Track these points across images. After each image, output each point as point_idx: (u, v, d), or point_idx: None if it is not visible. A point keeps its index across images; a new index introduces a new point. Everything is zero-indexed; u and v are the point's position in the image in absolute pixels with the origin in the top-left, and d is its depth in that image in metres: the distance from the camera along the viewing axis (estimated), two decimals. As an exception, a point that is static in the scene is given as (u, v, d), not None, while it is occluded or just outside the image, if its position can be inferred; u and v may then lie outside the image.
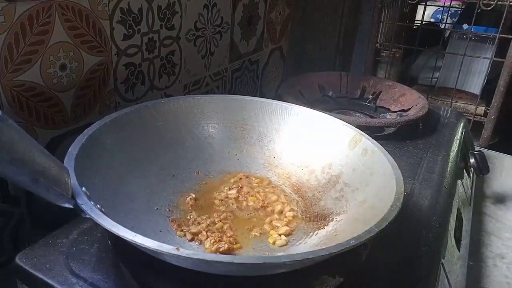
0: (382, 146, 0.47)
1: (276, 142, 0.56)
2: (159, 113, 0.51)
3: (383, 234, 0.33)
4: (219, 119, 0.56)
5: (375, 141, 0.48)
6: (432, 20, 1.86)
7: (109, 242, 0.40)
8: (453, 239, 0.56)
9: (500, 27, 1.14)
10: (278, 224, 0.45)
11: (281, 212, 0.47)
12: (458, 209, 0.63)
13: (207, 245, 0.41)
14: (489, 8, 1.12)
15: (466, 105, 1.28)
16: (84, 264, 0.39)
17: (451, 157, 0.69)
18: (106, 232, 0.39)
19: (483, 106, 1.24)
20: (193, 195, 0.48)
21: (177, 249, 0.29)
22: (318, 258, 0.31)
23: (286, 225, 0.45)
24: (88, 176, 0.38)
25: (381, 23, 1.33)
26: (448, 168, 0.65)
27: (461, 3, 1.60)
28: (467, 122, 0.90)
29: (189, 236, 0.42)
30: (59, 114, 0.50)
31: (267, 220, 0.46)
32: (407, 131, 0.73)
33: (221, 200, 0.48)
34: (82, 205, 0.33)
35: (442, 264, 0.47)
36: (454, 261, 0.54)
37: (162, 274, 0.37)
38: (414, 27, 1.46)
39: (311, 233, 0.44)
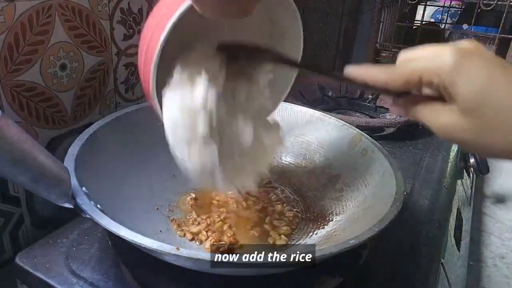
0: (382, 146, 0.47)
1: (276, 142, 0.56)
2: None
3: (383, 234, 0.33)
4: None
5: (375, 141, 0.48)
6: (432, 20, 1.86)
7: (109, 242, 0.40)
8: (453, 239, 0.56)
9: (500, 27, 1.13)
10: (278, 224, 0.45)
11: (281, 212, 0.47)
12: (458, 209, 0.63)
13: (207, 245, 0.41)
14: (489, 8, 1.11)
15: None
16: (84, 264, 0.39)
17: (451, 157, 0.69)
18: (106, 232, 0.40)
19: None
20: (193, 195, 0.48)
21: (177, 249, 0.29)
22: (318, 258, 0.31)
23: (286, 225, 0.45)
24: (88, 176, 0.38)
25: (381, 23, 1.33)
26: (448, 168, 0.65)
27: (461, 3, 1.60)
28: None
29: (189, 236, 0.42)
30: (59, 114, 0.50)
31: (267, 220, 0.46)
32: (407, 131, 0.73)
33: (221, 200, 0.48)
34: (82, 205, 0.33)
35: (442, 264, 0.47)
36: (454, 261, 0.54)
37: (162, 274, 0.37)
38: (414, 27, 1.46)
39: (311, 233, 0.44)
